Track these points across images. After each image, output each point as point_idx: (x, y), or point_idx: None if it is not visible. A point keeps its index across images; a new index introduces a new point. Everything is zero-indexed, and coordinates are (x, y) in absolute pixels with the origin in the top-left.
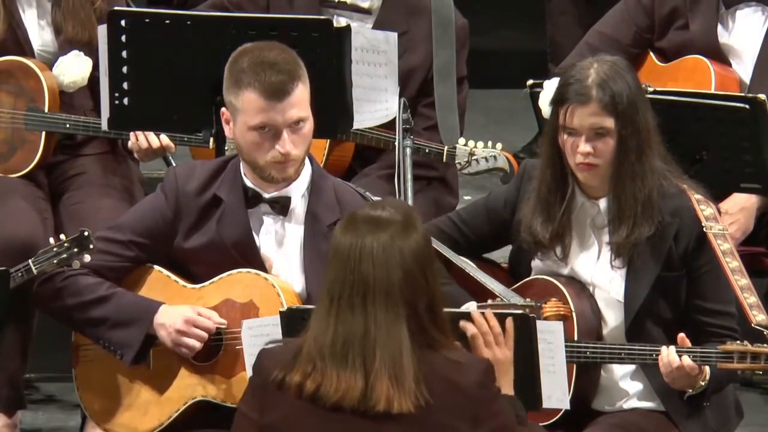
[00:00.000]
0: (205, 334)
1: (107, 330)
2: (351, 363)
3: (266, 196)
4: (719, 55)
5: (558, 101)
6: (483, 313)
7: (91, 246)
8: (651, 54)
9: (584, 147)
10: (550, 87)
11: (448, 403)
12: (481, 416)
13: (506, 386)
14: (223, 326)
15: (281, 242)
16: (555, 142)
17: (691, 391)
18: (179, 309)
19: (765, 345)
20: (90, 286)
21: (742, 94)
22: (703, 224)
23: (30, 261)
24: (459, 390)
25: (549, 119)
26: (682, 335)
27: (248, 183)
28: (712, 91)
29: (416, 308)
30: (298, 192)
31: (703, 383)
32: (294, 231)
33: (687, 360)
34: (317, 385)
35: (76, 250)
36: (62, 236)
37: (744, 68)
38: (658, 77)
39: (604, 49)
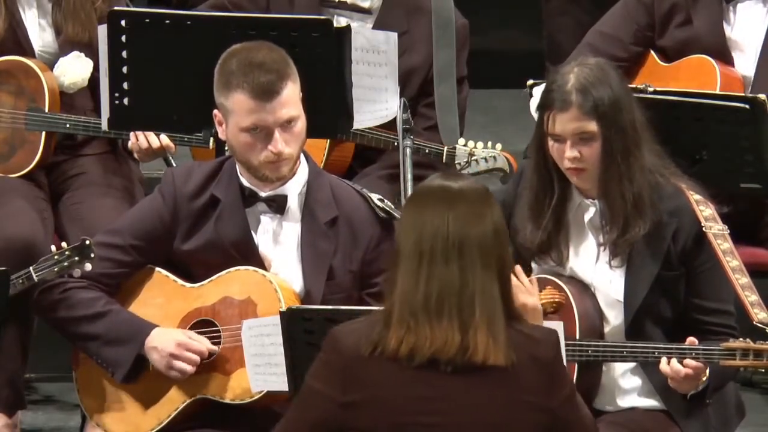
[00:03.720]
0: (197, 358)
1: (100, 347)
2: (447, 315)
3: (262, 194)
4: (724, 50)
5: (542, 107)
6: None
7: (92, 255)
8: (653, 53)
9: (570, 153)
10: (538, 93)
11: (528, 374)
12: (554, 388)
13: None
14: (215, 352)
15: (279, 240)
16: (541, 148)
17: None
18: (171, 332)
19: (767, 342)
20: (87, 301)
21: (743, 94)
22: (702, 224)
23: (31, 268)
24: (538, 363)
25: (536, 125)
26: (691, 339)
27: (244, 182)
28: (717, 91)
29: (504, 268)
30: (294, 190)
31: (704, 378)
32: (291, 229)
33: (692, 363)
34: (412, 344)
35: (77, 258)
36: (63, 244)
37: (746, 61)
38: (660, 77)
39: (606, 49)
